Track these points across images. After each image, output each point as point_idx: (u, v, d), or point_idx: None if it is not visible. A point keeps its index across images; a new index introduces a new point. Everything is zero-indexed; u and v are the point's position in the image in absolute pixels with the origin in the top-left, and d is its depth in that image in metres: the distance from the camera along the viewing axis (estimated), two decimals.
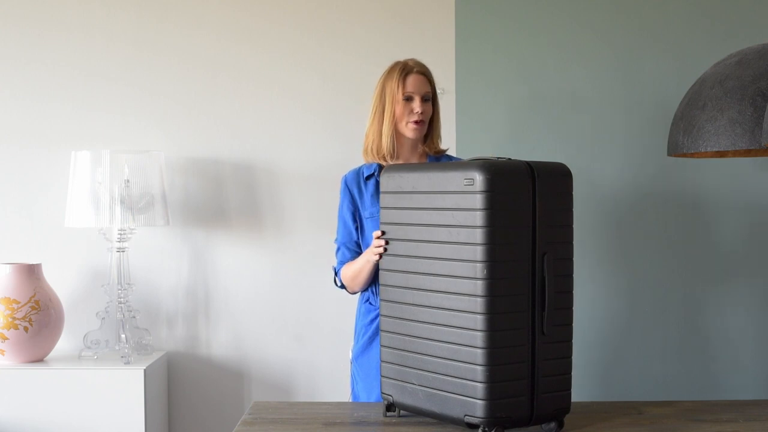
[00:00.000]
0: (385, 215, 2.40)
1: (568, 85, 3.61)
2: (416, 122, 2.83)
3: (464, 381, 2.17)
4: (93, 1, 3.60)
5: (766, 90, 2.41)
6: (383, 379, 2.42)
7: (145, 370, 3.30)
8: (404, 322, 2.34)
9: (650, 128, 3.57)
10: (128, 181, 3.36)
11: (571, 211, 2.28)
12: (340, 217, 2.92)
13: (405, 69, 2.85)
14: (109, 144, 3.56)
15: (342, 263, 2.89)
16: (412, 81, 2.84)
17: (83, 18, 3.60)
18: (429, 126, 2.90)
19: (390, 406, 2.42)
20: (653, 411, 2.52)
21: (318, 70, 3.60)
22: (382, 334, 2.42)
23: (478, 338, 2.13)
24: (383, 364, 2.42)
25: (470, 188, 2.14)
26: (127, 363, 3.37)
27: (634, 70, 3.61)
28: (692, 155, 2.81)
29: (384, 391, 2.42)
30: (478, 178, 2.13)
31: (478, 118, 3.60)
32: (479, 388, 2.14)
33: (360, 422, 2.43)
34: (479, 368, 2.13)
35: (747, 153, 2.87)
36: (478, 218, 2.13)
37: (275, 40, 3.61)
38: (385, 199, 2.40)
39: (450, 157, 2.96)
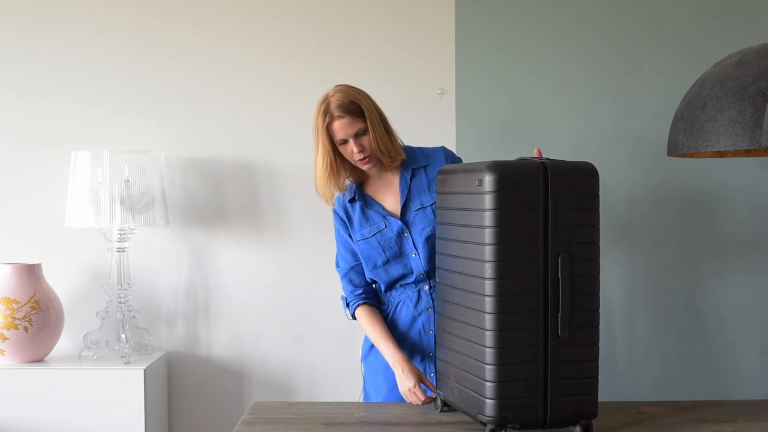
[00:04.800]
0: (438, 215, 2.48)
1: (569, 85, 3.61)
2: (361, 161, 2.72)
3: (477, 379, 2.20)
4: (93, 1, 3.60)
5: (766, 90, 2.40)
6: (438, 375, 2.49)
7: (145, 370, 3.30)
8: (443, 318, 2.42)
9: (650, 128, 3.56)
10: (128, 181, 3.36)
11: (596, 211, 2.22)
12: (339, 243, 2.84)
13: (327, 117, 2.68)
14: (109, 144, 3.56)
15: (353, 291, 2.80)
16: (337, 128, 2.68)
17: (83, 18, 3.59)
18: (378, 147, 2.71)
19: (441, 402, 2.49)
20: (653, 411, 2.52)
21: (318, 70, 3.60)
22: (438, 329, 2.50)
23: (486, 337, 2.15)
24: (437, 360, 2.50)
25: (480, 188, 2.16)
26: (127, 363, 3.37)
27: (634, 70, 3.61)
28: (692, 155, 2.81)
29: (437, 387, 2.49)
30: (487, 179, 2.14)
31: (478, 118, 3.60)
32: (487, 386, 2.15)
33: (360, 422, 2.43)
34: (487, 367, 2.15)
35: (747, 153, 2.87)
36: (487, 218, 2.14)
37: (275, 40, 3.61)
38: (438, 200, 2.48)
39: (412, 149, 2.82)
